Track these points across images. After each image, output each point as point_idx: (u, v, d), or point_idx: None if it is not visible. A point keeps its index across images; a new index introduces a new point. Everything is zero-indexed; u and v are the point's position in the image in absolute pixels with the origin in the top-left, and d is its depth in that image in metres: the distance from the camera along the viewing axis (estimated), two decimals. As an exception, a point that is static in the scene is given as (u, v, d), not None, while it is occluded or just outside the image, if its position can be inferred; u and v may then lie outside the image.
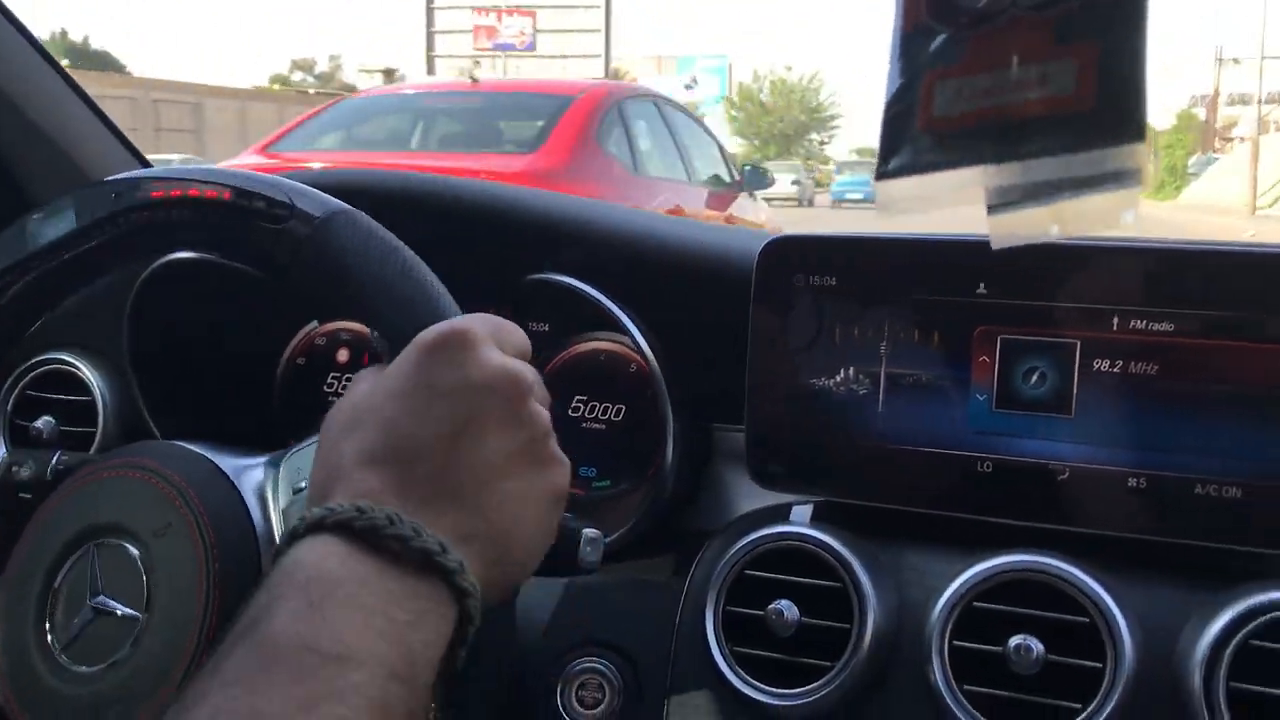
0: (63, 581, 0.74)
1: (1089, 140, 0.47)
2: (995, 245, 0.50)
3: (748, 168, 6.61)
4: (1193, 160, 46.05)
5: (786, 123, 64.12)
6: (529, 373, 0.61)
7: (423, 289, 0.69)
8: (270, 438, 1.16)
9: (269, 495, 0.77)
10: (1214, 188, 36.14)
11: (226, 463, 0.78)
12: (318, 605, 0.49)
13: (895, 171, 0.52)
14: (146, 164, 1.28)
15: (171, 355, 1.11)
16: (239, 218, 0.70)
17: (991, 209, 0.50)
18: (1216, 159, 44.20)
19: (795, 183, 32.83)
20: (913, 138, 0.51)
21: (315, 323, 1.20)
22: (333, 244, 0.69)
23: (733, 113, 65.83)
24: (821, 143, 67.17)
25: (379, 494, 0.55)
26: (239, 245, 0.73)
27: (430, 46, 43.61)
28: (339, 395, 1.17)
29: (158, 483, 0.74)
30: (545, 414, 0.62)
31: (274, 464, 0.78)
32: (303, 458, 0.77)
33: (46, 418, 1.14)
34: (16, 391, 1.15)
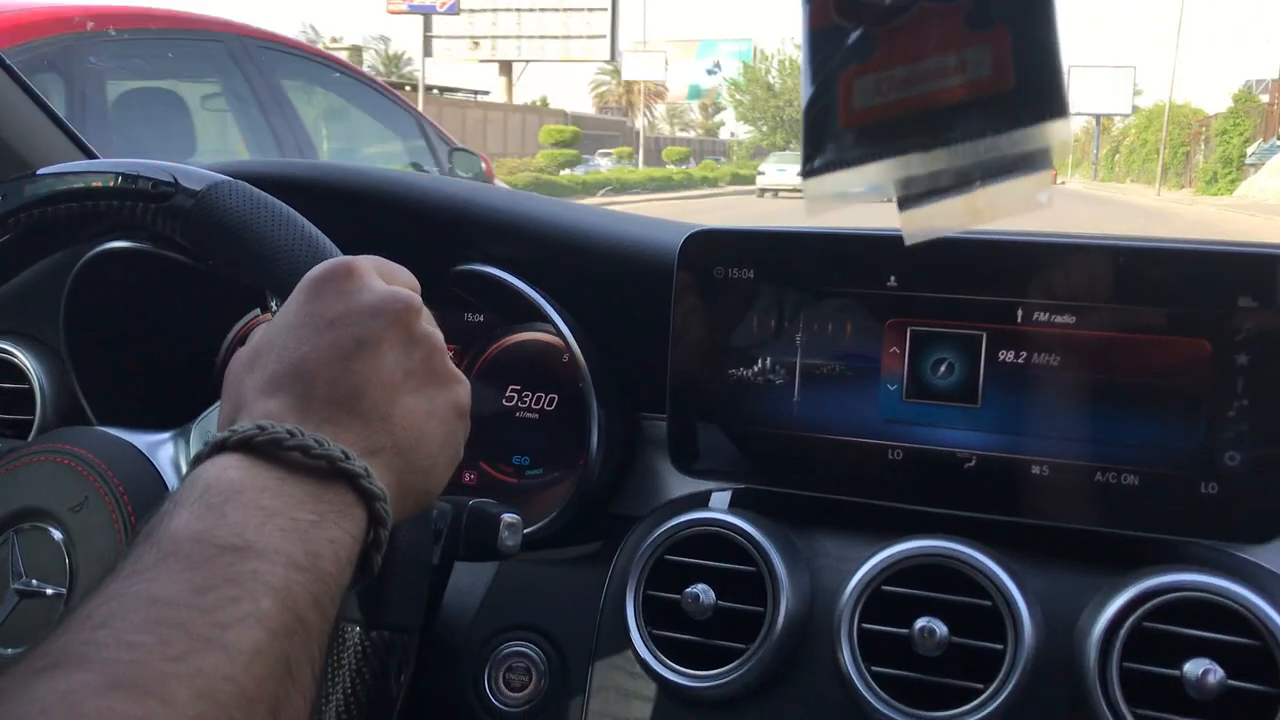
0: None
1: (1012, 120, 0.48)
2: (908, 240, 0.51)
3: (455, 151, 5.39)
4: (1251, 149, 39.72)
5: (796, 106, 58.72)
6: (414, 297, 0.63)
7: (307, 241, 0.71)
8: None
9: (183, 462, 0.79)
10: (1277, 182, 32.71)
11: (140, 440, 0.80)
12: (217, 507, 0.51)
13: (820, 168, 0.52)
14: (91, 153, 1.28)
15: (109, 342, 1.12)
16: (128, 201, 0.73)
17: (903, 203, 0.52)
18: (1281, 147, 37.44)
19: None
20: (835, 134, 0.52)
21: (258, 311, 1.21)
22: (216, 211, 0.72)
23: (737, 96, 63.19)
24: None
25: (281, 416, 0.57)
26: (134, 228, 0.76)
27: (427, 27, 42.38)
28: None
29: (73, 464, 0.76)
30: (437, 333, 0.65)
31: (184, 433, 0.81)
32: (210, 420, 0.79)
33: (-17, 404, 1.15)
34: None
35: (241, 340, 1.21)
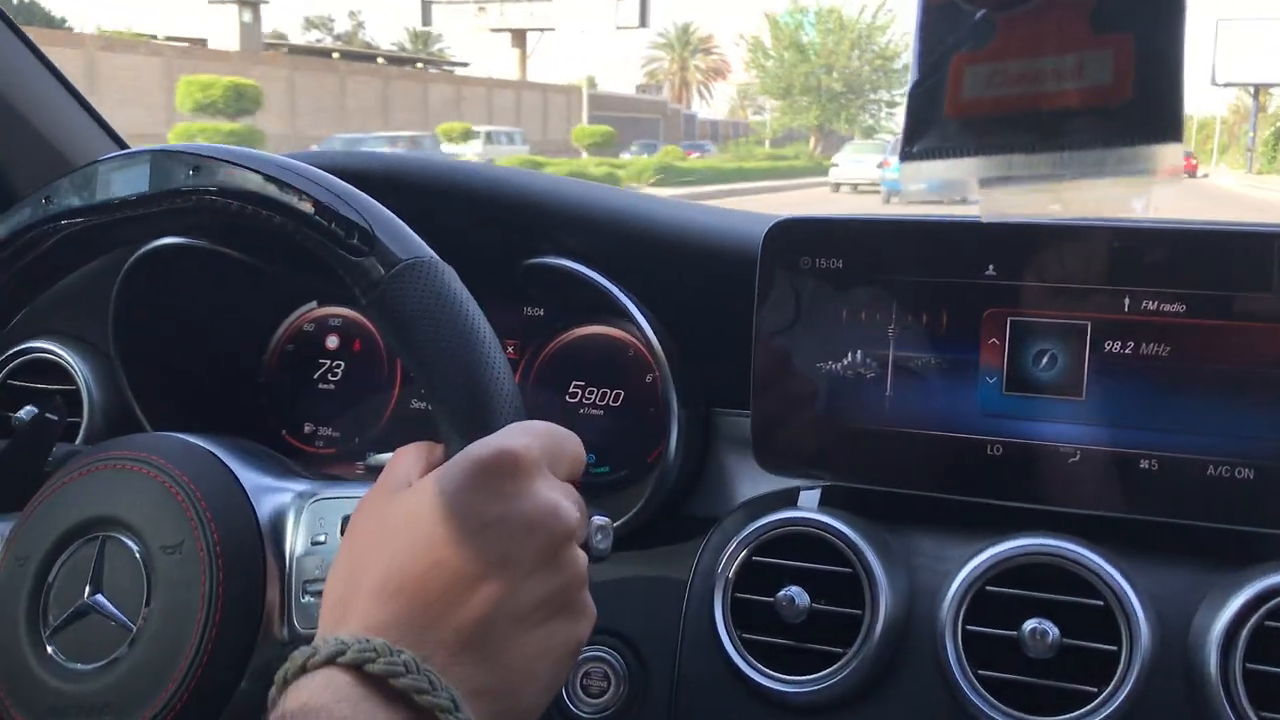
0: (60, 570, 0.73)
1: (1126, 135, 0.46)
2: (986, 219, 0.49)
3: None
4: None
5: (837, 75, 43.78)
6: (574, 512, 0.58)
7: (484, 369, 0.64)
8: (261, 425, 1.15)
9: (286, 530, 0.74)
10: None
11: (248, 479, 0.75)
12: None
13: (921, 154, 0.50)
14: (124, 144, 1.25)
15: (157, 342, 1.09)
16: (314, 233, 0.67)
17: (985, 184, 0.49)
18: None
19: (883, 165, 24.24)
20: (939, 121, 0.50)
21: (308, 305, 1.18)
22: (404, 298, 0.65)
23: (760, 60, 45.11)
24: (890, 105, 46.66)
25: (396, 630, 0.53)
26: (304, 253, 0.69)
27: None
28: (328, 381, 1.16)
29: (171, 487, 0.72)
30: (584, 560, 0.60)
31: (299, 499, 0.75)
32: (328, 508, 0.74)
33: (29, 407, 1.12)
34: (-2, 381, 1.12)
35: (289, 339, 1.18)
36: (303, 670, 0.52)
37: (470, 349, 0.64)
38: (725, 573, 0.85)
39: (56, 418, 0.83)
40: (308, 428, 1.15)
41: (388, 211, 0.68)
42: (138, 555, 0.71)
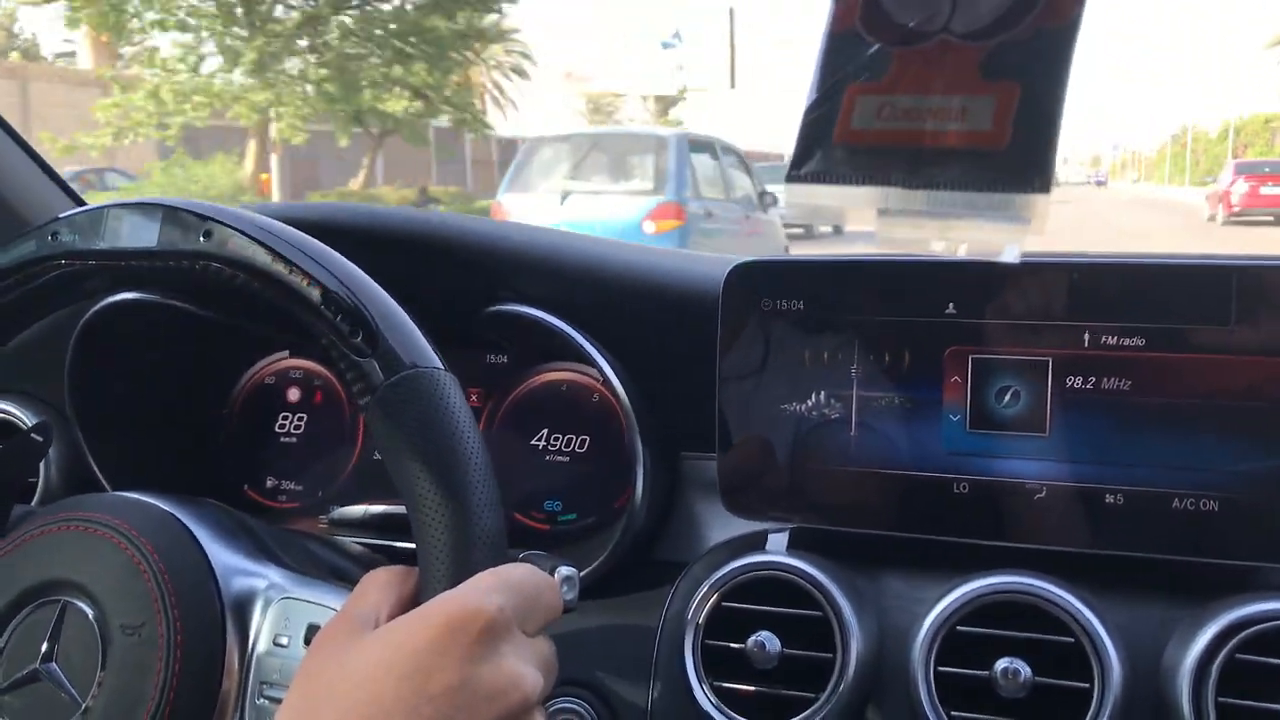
0: (15, 630, 0.71)
1: (997, 182, 0.47)
2: (880, 245, 0.51)
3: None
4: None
5: None
6: (538, 681, 0.58)
7: (470, 502, 0.62)
8: (221, 482, 1.13)
9: (251, 619, 0.72)
10: None
11: (219, 557, 0.73)
12: None
13: (806, 177, 0.52)
14: (82, 204, 1.23)
15: (114, 398, 1.07)
16: (318, 322, 0.65)
17: (882, 213, 0.50)
18: None
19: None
20: (826, 147, 0.51)
21: (277, 356, 1.17)
22: (400, 410, 0.63)
23: None
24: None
25: None
26: (266, 309, 0.67)
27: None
28: (290, 435, 1.14)
29: (138, 560, 0.70)
30: None
31: (269, 590, 0.73)
32: (295, 610, 0.72)
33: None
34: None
35: (249, 392, 1.16)
36: None
37: (460, 477, 0.62)
38: (695, 619, 0.84)
39: (41, 438, 0.81)
40: (269, 482, 1.14)
41: (398, 309, 0.66)
42: (95, 627, 0.69)
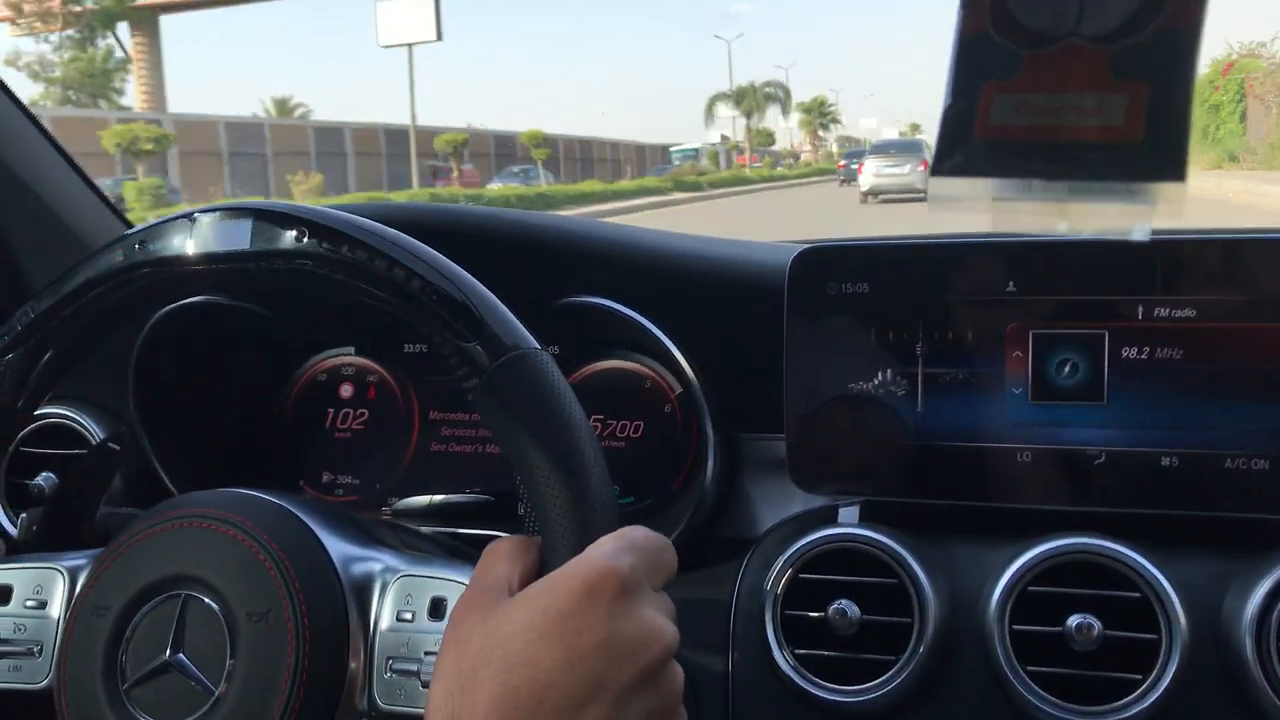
0: (139, 624, 0.72)
1: (1133, 172, 0.51)
2: (996, 229, 0.54)
3: None
4: None
5: None
6: (673, 630, 0.60)
7: (586, 472, 0.65)
8: (277, 479, 1.15)
9: (372, 601, 0.74)
10: None
11: (334, 547, 0.75)
12: None
13: (951, 170, 0.55)
14: (127, 222, 1.25)
15: (176, 401, 1.09)
16: (420, 313, 0.67)
17: (999, 200, 0.54)
18: None
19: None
20: (969, 142, 0.54)
21: (343, 350, 1.18)
22: (510, 390, 0.66)
23: None
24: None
25: None
26: (317, 303, 0.69)
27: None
28: (342, 430, 1.16)
29: (257, 551, 0.71)
30: (681, 677, 0.62)
31: (386, 572, 0.75)
32: (415, 586, 0.74)
33: (46, 473, 1.11)
34: (11, 448, 1.11)
35: (302, 390, 1.18)
36: None
37: (573, 449, 0.65)
38: (774, 591, 0.88)
39: (119, 447, 0.83)
40: (325, 477, 1.16)
41: (493, 296, 0.69)
42: (221, 618, 0.71)
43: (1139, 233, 0.52)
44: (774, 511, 1.02)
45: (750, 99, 61.38)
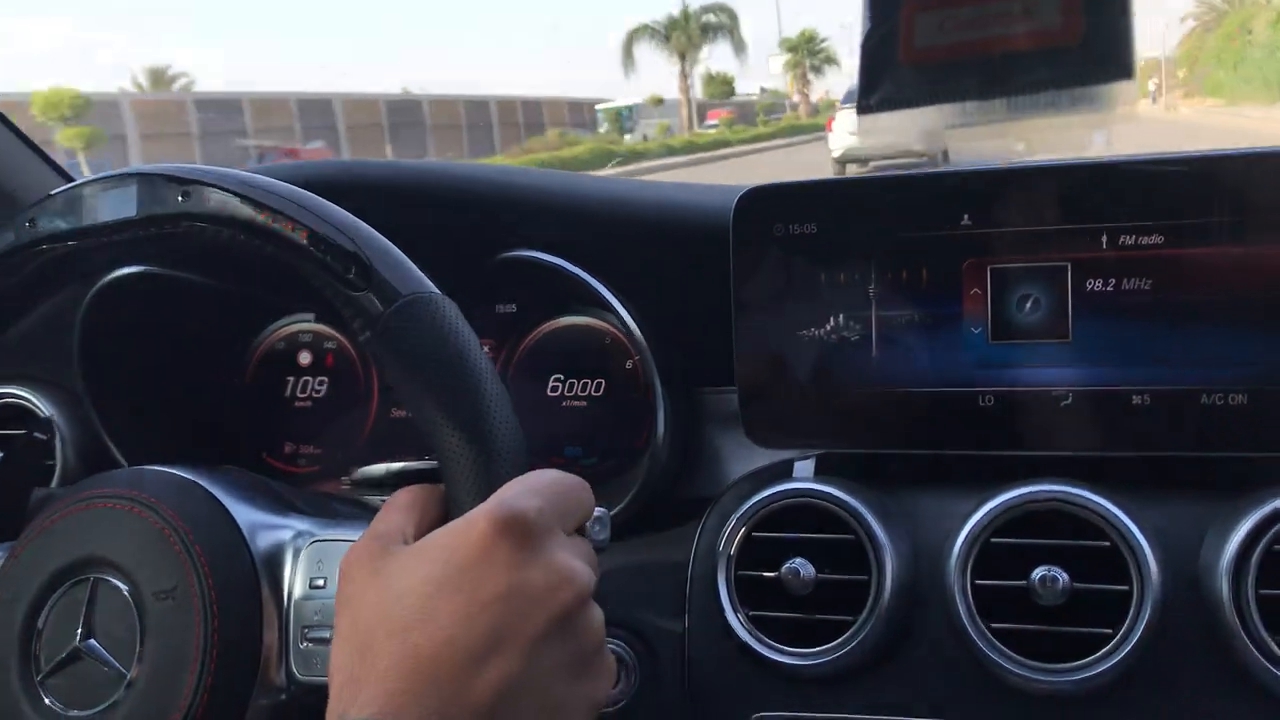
0: (51, 612, 0.70)
1: (1076, 76, 0.46)
2: (953, 158, 0.50)
3: None
4: None
5: None
6: (588, 573, 0.57)
7: (489, 415, 0.62)
8: (239, 451, 1.12)
9: (284, 571, 0.72)
10: None
11: (241, 515, 0.73)
12: None
13: (879, 105, 0.51)
14: (67, 176, 1.22)
15: (126, 374, 1.06)
16: (309, 264, 0.64)
17: (951, 127, 0.49)
18: None
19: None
20: (894, 70, 0.50)
21: (302, 317, 1.15)
22: (404, 336, 0.63)
23: None
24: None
25: (413, 711, 0.51)
26: (272, 272, 0.66)
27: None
28: (302, 399, 1.13)
29: (162, 527, 0.69)
30: (600, 621, 0.58)
31: (297, 538, 0.73)
32: (327, 551, 0.71)
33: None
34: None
35: (264, 359, 1.15)
36: None
37: (474, 392, 0.62)
38: (726, 551, 0.84)
39: (45, 437, 0.81)
40: (288, 448, 1.13)
41: (386, 241, 0.66)
42: (129, 598, 0.69)
43: (1101, 142, 0.47)
44: (740, 467, 0.97)
45: (681, 32, 42.82)
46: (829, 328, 0.85)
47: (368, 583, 0.56)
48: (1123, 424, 0.80)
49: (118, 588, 0.69)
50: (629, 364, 1.02)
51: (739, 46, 43.83)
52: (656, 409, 0.92)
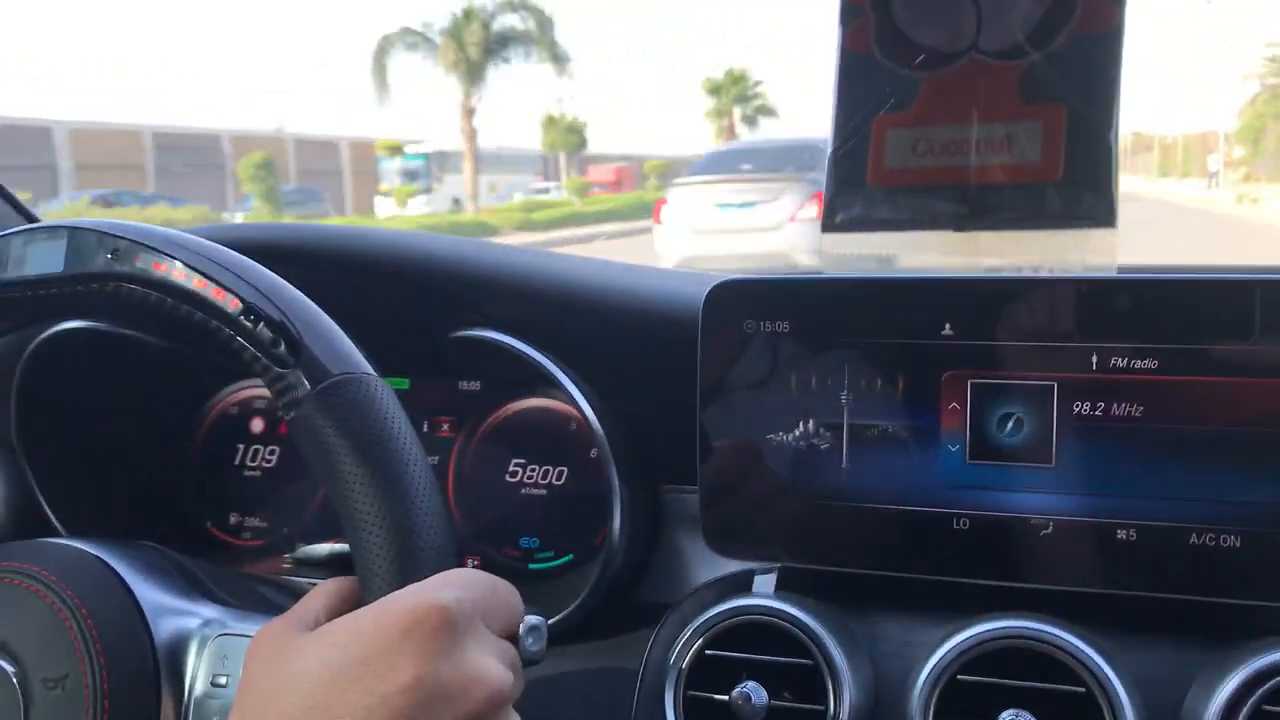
0: None
1: (1054, 218, 0.43)
2: (908, 266, 0.46)
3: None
4: None
5: None
6: (508, 676, 0.53)
7: (413, 508, 0.58)
8: (183, 519, 1.07)
9: (187, 662, 0.68)
10: None
11: (147, 597, 0.68)
12: None
13: (844, 225, 0.47)
14: (31, 217, 1.18)
15: (66, 434, 1.02)
16: (238, 335, 0.61)
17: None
18: None
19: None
20: (863, 189, 0.46)
21: (226, 389, 1.11)
22: (328, 420, 0.59)
23: None
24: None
25: None
26: (227, 356, 0.62)
27: None
28: (252, 468, 1.09)
29: (59, 609, 0.65)
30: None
31: (204, 627, 0.69)
32: (233, 646, 0.67)
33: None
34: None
35: (215, 424, 1.11)
36: None
37: (398, 483, 0.58)
38: (677, 666, 0.78)
39: None
40: (234, 518, 1.08)
41: (320, 313, 0.62)
42: (15, 684, 0.64)
43: (1074, 266, 0.43)
44: (706, 572, 0.92)
45: (453, 41, 28.40)
46: (798, 433, 0.80)
47: (267, 665, 0.53)
48: (1106, 559, 0.74)
49: (4, 670, 0.65)
50: (593, 453, 0.97)
51: (559, 61, 29.36)
52: (614, 504, 0.86)
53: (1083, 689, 0.70)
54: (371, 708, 0.48)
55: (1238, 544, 0.72)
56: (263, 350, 0.60)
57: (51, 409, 1.00)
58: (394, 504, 0.58)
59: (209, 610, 0.70)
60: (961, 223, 0.44)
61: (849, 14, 0.46)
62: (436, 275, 0.91)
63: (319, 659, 0.51)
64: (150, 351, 1.02)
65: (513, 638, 0.58)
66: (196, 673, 0.67)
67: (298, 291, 0.63)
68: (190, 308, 0.61)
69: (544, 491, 0.99)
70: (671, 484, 0.93)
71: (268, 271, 0.63)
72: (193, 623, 0.68)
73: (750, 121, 37.80)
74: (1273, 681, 0.67)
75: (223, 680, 0.67)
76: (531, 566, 0.98)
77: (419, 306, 0.92)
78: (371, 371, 0.61)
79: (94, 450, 1.04)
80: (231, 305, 0.61)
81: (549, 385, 0.97)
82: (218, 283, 0.61)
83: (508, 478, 1.00)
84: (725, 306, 0.82)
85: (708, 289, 0.82)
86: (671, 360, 0.86)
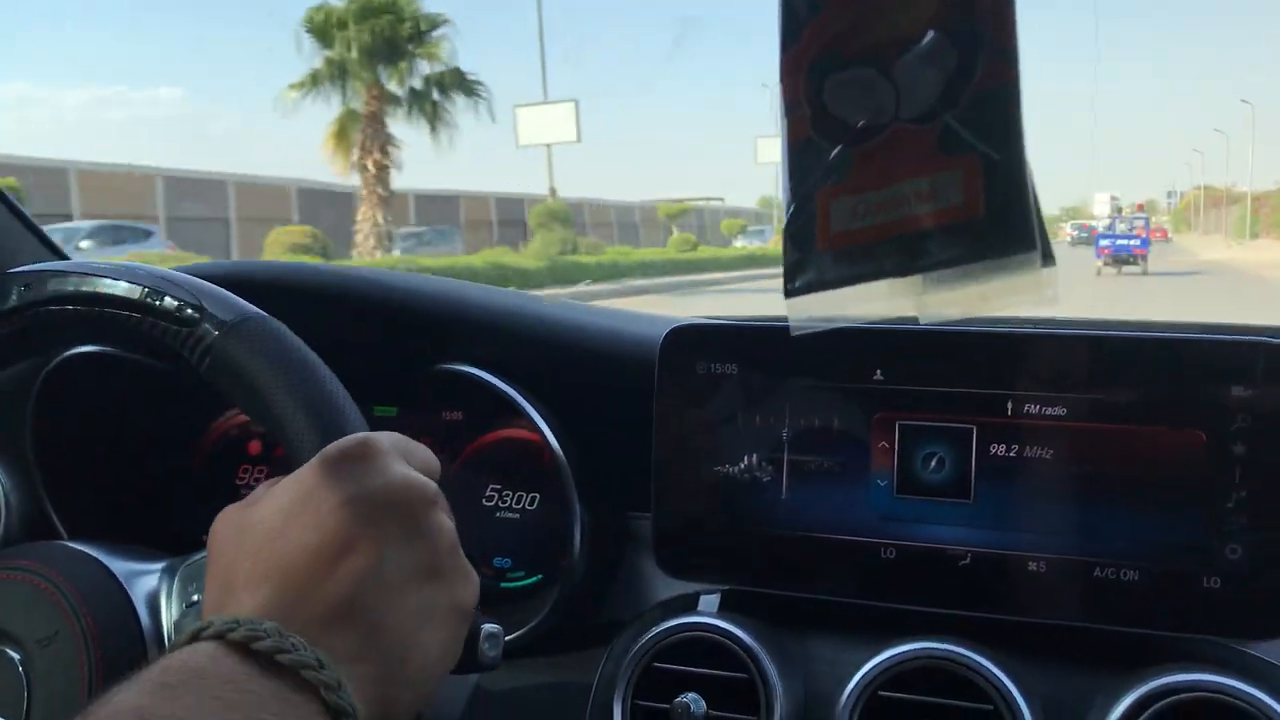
0: None
1: (983, 249, 0.48)
2: (924, 321, 0.52)
3: None
4: None
5: None
6: (428, 485, 0.60)
7: (329, 401, 0.66)
8: (182, 534, 1.14)
9: (162, 604, 0.75)
10: None
11: (118, 566, 0.76)
12: (171, 687, 0.48)
13: (803, 289, 0.53)
14: (61, 255, 1.26)
15: (77, 450, 1.09)
16: (149, 317, 0.69)
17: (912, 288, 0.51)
18: None
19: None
20: (815, 255, 0.52)
21: (229, 411, 1.19)
22: (240, 351, 0.67)
23: None
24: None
25: (267, 611, 0.53)
26: (149, 343, 0.71)
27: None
28: (251, 488, 1.16)
29: (44, 586, 0.72)
30: (449, 523, 0.61)
31: (169, 571, 0.76)
32: (197, 568, 0.75)
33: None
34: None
35: (211, 445, 1.18)
36: (193, 639, 0.52)
37: (313, 385, 0.66)
38: (625, 679, 0.85)
39: None
40: (230, 533, 1.15)
41: (215, 286, 0.70)
42: (15, 658, 0.72)
43: (1049, 293, 0.49)
44: (665, 593, 0.98)
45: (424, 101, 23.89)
46: (742, 466, 0.87)
47: (229, 532, 0.59)
48: (1017, 589, 0.81)
49: (4, 653, 0.72)
50: (562, 482, 1.04)
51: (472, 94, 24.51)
52: (573, 528, 0.93)
53: (990, 707, 0.77)
54: (320, 522, 0.55)
55: (1136, 578, 0.79)
56: (171, 320, 0.69)
57: (64, 425, 1.07)
58: (312, 393, 0.66)
59: (171, 560, 0.78)
60: (904, 269, 0.51)
61: (791, 108, 0.52)
62: (416, 313, 0.99)
63: (271, 507, 0.58)
64: (156, 375, 1.09)
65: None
66: (171, 600, 0.75)
67: (187, 275, 0.71)
68: (103, 308, 0.70)
69: (517, 515, 1.06)
70: (636, 510, 1.00)
71: (154, 267, 0.72)
72: (158, 570, 0.77)
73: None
74: (1163, 702, 0.73)
75: (196, 598, 0.74)
76: (503, 585, 1.04)
77: (403, 342, 0.99)
78: (266, 314, 0.69)
79: (103, 467, 1.11)
80: (136, 293, 0.69)
81: (520, 416, 1.04)
82: (118, 280, 0.70)
83: (484, 501, 1.07)
84: (680, 348, 0.89)
85: (664, 331, 0.90)
86: (634, 396, 0.93)
